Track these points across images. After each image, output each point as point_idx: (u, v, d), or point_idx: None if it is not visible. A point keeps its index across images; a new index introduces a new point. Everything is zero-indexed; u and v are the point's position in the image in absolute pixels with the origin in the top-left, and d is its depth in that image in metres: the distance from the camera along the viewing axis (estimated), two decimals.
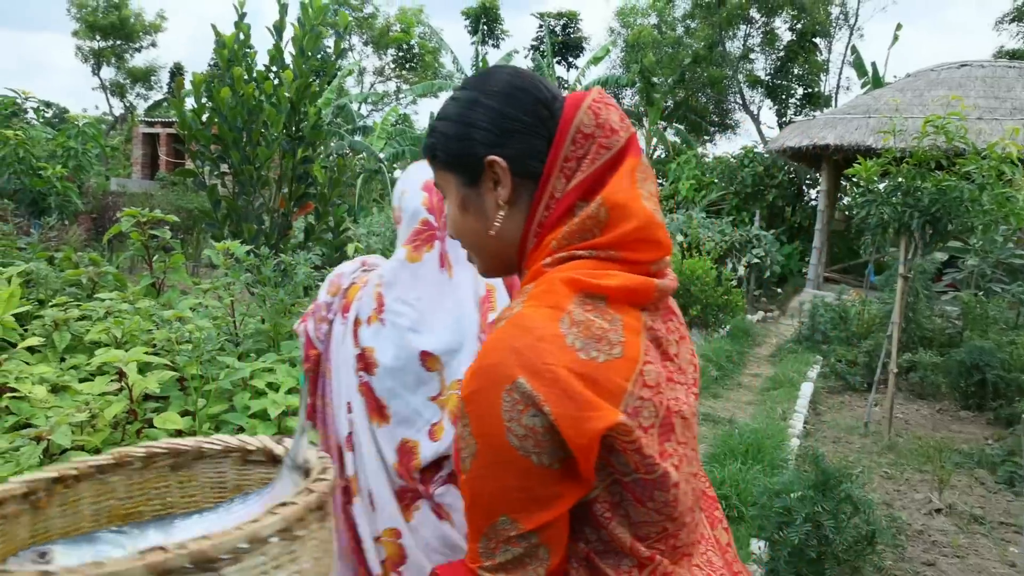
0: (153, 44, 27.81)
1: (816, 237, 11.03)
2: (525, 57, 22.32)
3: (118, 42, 26.69)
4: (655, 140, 17.76)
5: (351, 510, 1.15)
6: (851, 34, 18.66)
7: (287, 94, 4.50)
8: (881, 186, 4.89)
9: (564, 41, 22.78)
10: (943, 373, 5.77)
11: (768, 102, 20.27)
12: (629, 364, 0.68)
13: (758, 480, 3.30)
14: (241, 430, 2.45)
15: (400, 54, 25.44)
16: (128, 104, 28.28)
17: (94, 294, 3.11)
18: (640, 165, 0.76)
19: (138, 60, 27.78)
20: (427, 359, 1.11)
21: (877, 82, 14.74)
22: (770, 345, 8.17)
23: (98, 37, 26.18)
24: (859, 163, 4.79)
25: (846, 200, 14.37)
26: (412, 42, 24.86)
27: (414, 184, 1.19)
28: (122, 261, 3.66)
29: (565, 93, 0.80)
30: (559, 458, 0.65)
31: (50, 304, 2.81)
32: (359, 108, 19.75)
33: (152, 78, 28.08)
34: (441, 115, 0.81)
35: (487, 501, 0.68)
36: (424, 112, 50.34)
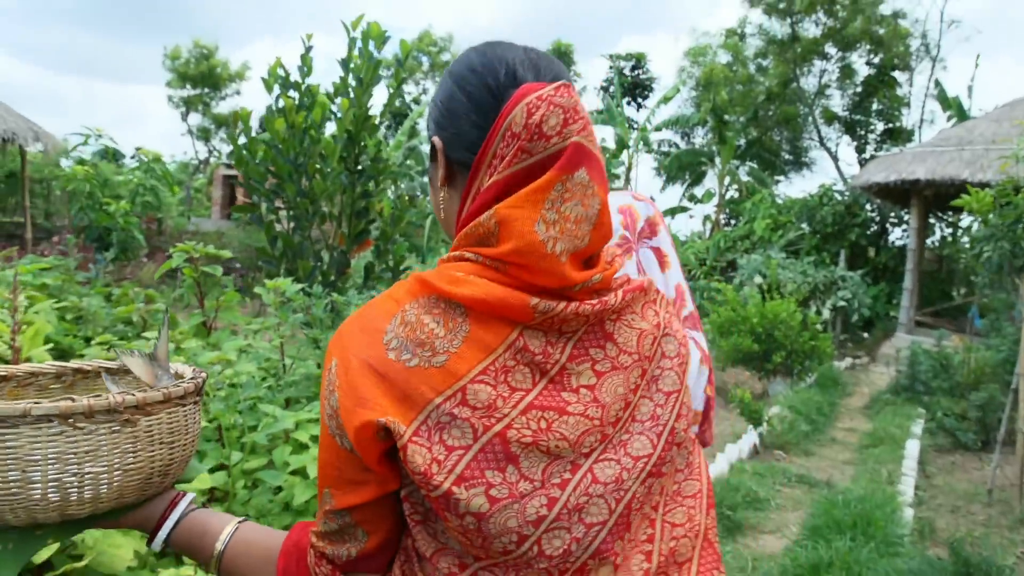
0: (237, 92, 29.43)
1: (907, 278, 10.24)
2: (596, 96, 22.40)
3: (206, 90, 28.41)
4: (728, 179, 17.23)
5: None
6: (934, 66, 17.78)
7: (347, 125, 4.37)
8: (968, 221, 4.38)
9: (633, 82, 22.69)
10: None
11: (846, 138, 19.48)
12: (447, 377, 0.63)
13: (874, 563, 2.79)
14: (279, 490, 2.20)
15: None
16: (211, 148, 29.89)
17: (144, 332, 2.98)
18: (564, 181, 0.65)
19: (222, 107, 29.41)
20: None
21: (962, 115, 13.83)
22: (862, 395, 7.46)
23: (188, 86, 27.96)
24: (966, 195, 4.30)
25: (931, 240, 13.41)
26: None
27: (612, 208, 1.27)
28: (176, 297, 3.55)
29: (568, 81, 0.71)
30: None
31: (95, 342, 2.68)
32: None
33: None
34: None
35: (320, 470, 0.70)
36: None
